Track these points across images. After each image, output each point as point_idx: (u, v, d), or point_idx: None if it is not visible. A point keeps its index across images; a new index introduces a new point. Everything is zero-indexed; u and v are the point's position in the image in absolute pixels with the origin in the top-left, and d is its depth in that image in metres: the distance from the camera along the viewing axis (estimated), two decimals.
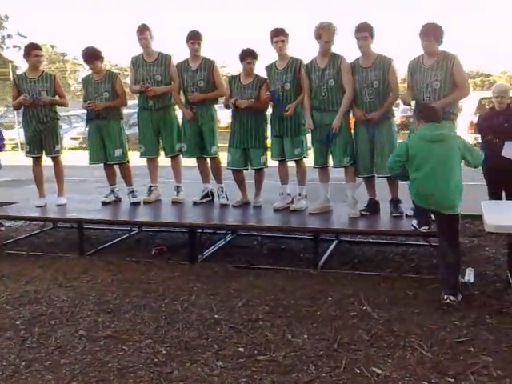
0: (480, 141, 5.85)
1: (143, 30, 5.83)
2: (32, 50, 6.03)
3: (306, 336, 3.55)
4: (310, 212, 5.40)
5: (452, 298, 4.00)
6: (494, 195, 5.59)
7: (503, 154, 5.40)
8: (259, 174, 5.78)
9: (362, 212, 5.29)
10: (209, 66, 5.77)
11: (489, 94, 7.76)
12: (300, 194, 5.63)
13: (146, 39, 5.85)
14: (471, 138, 15.23)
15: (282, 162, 5.67)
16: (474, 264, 4.88)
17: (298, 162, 5.57)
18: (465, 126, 15.52)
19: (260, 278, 4.70)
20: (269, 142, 5.75)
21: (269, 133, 5.74)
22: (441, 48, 4.82)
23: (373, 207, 5.35)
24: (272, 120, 5.59)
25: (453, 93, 4.78)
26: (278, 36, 5.33)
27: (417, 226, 4.66)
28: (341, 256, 5.39)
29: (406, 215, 5.07)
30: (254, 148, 5.61)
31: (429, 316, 3.80)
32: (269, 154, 5.73)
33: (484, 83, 54.14)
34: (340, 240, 5.83)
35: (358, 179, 5.39)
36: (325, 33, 5.04)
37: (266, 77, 5.55)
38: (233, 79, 5.69)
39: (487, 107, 11.95)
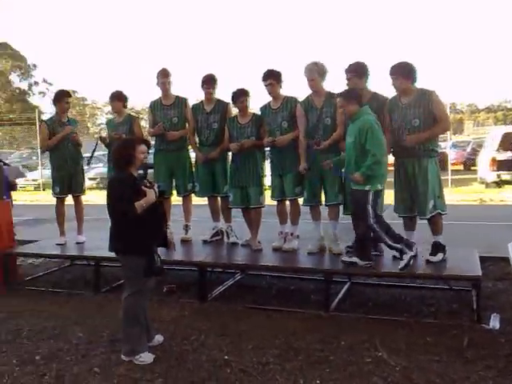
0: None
1: (165, 75, 6.03)
2: (63, 97, 6.34)
3: (318, 381, 3.45)
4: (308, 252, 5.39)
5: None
6: None
7: None
8: (256, 213, 5.71)
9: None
10: (222, 107, 5.93)
11: None
12: (292, 234, 5.60)
13: (169, 83, 6.05)
14: (493, 175, 14.25)
15: (282, 202, 5.66)
16: (499, 309, 4.70)
17: (293, 201, 5.56)
18: (486, 164, 14.29)
19: (269, 319, 4.63)
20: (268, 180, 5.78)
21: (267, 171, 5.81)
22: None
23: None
24: (273, 158, 5.63)
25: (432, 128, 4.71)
26: (266, 80, 5.43)
27: (358, 261, 4.72)
28: (353, 299, 5.25)
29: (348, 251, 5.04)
30: (251, 186, 5.61)
31: (450, 364, 3.62)
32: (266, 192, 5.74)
33: (506, 117, 53.02)
34: (352, 282, 5.67)
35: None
36: (306, 73, 5.21)
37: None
38: (231, 120, 5.77)
39: None
